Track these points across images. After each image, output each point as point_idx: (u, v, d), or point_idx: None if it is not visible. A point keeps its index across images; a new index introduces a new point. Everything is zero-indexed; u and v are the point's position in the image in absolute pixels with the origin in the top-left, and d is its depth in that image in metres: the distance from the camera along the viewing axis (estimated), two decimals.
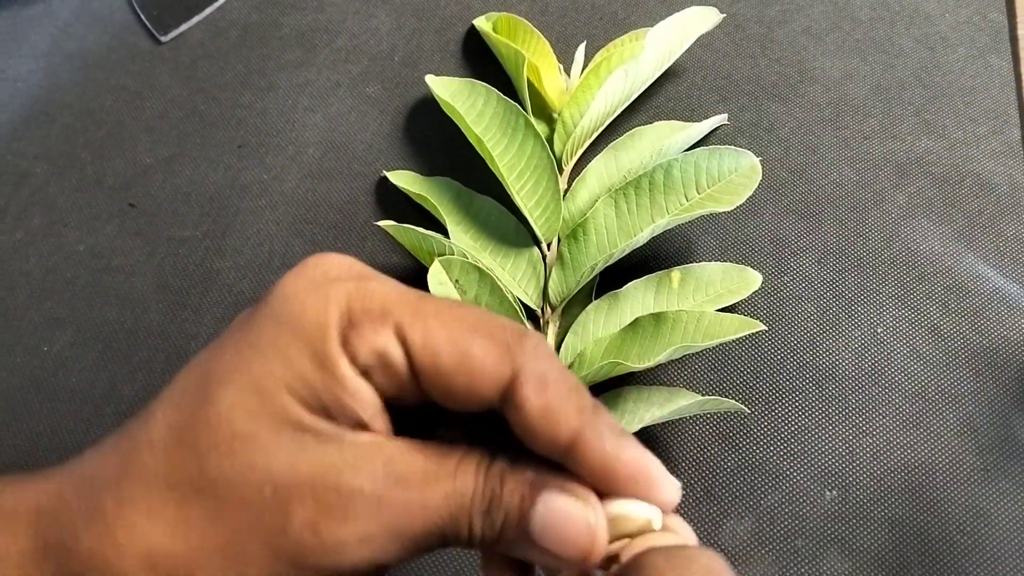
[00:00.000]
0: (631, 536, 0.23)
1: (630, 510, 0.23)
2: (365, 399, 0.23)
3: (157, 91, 0.56)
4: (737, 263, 0.43)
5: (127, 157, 0.53)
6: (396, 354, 0.23)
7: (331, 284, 0.23)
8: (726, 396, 0.41)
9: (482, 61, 0.53)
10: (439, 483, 0.22)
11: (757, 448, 0.40)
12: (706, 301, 0.42)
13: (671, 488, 0.23)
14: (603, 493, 0.23)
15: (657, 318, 0.39)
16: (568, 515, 0.22)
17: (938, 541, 0.38)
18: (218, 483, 0.22)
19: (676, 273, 0.43)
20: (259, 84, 0.55)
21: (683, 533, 0.24)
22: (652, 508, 0.23)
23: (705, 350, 0.42)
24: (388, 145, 0.51)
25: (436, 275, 0.40)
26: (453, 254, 0.42)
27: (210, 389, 0.22)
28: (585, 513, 0.22)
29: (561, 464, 0.23)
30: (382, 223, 0.44)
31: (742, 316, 0.39)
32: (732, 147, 0.42)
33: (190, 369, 0.24)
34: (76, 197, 0.52)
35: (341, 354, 0.22)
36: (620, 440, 0.23)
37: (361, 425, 0.23)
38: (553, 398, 0.22)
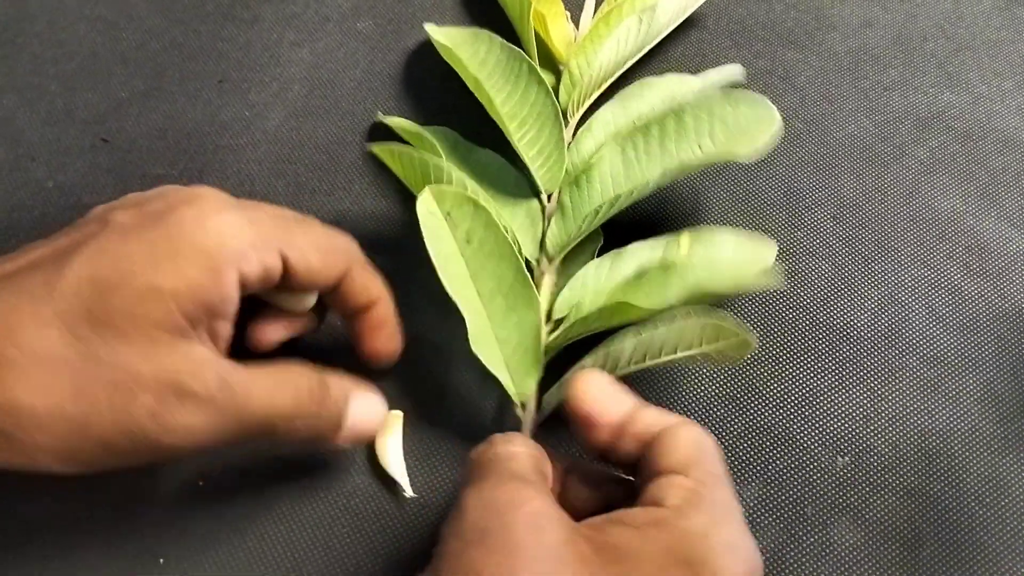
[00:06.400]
0: None
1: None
2: (230, 311, 0.30)
3: (134, 21, 0.52)
4: (749, 217, 0.40)
5: (100, 90, 0.50)
6: (275, 265, 0.32)
7: (226, 218, 0.30)
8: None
9: (481, 6, 0.50)
10: (264, 386, 0.31)
11: (766, 411, 0.38)
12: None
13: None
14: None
15: (665, 267, 0.37)
16: (370, 405, 0.35)
17: (954, 512, 0.36)
18: (87, 359, 0.27)
19: (686, 238, 0.39)
20: (242, 16, 0.51)
21: None
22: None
23: (713, 309, 0.40)
24: (379, 84, 0.48)
25: (426, 204, 0.37)
26: (451, 182, 0.39)
27: (112, 282, 0.28)
28: (379, 402, 0.36)
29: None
30: (374, 146, 0.40)
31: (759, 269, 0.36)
32: (749, 92, 0.40)
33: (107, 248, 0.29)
34: (45, 131, 0.49)
35: (233, 272, 0.30)
36: (391, 305, 0.37)
37: (212, 334, 0.30)
38: (368, 279, 0.36)
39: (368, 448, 0.38)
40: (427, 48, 0.48)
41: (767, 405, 0.38)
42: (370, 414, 0.35)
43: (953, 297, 0.40)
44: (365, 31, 0.50)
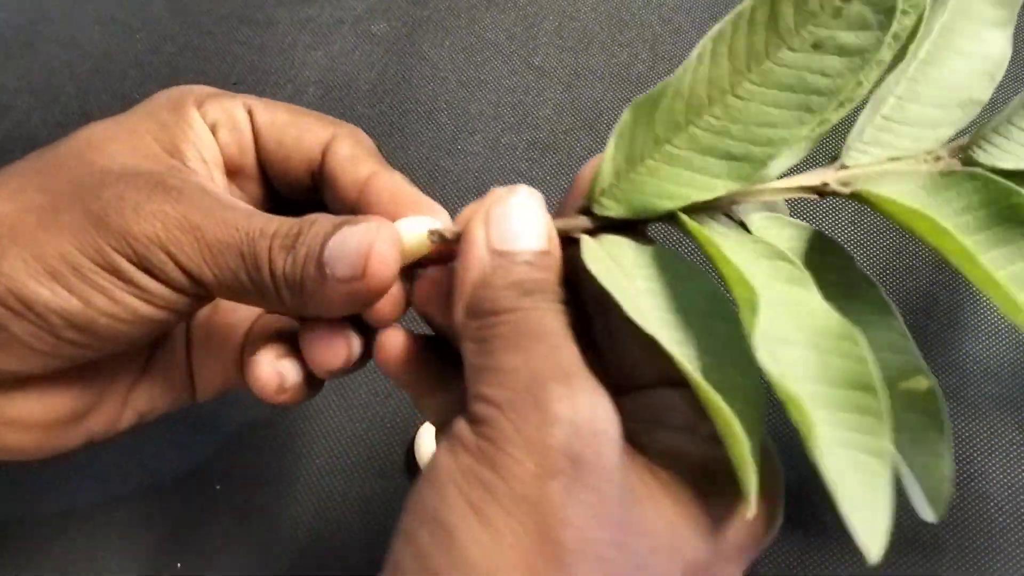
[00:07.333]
0: (421, 256, 0.27)
1: (406, 227, 0.26)
2: (206, 143, 0.30)
3: (149, 24, 0.52)
4: None
5: (114, 92, 0.50)
6: (241, 116, 0.31)
7: (191, 87, 0.31)
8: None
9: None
10: (245, 210, 0.27)
11: (784, 418, 0.38)
12: None
13: (440, 210, 0.28)
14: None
15: None
16: (353, 234, 0.25)
17: (974, 519, 0.36)
18: (58, 169, 0.27)
19: None
20: (257, 19, 0.51)
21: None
22: (423, 223, 0.27)
23: None
24: (394, 87, 0.48)
25: None
26: None
27: (88, 129, 0.29)
28: (367, 229, 0.25)
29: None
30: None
31: None
32: None
33: None
34: (59, 132, 0.47)
35: (193, 107, 0.30)
36: (404, 179, 0.29)
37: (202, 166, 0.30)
38: (359, 151, 0.30)
39: (399, 454, 0.38)
40: (443, 52, 0.48)
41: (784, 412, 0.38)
42: (354, 241, 0.25)
43: (972, 304, 0.40)
44: (380, 34, 0.50)
